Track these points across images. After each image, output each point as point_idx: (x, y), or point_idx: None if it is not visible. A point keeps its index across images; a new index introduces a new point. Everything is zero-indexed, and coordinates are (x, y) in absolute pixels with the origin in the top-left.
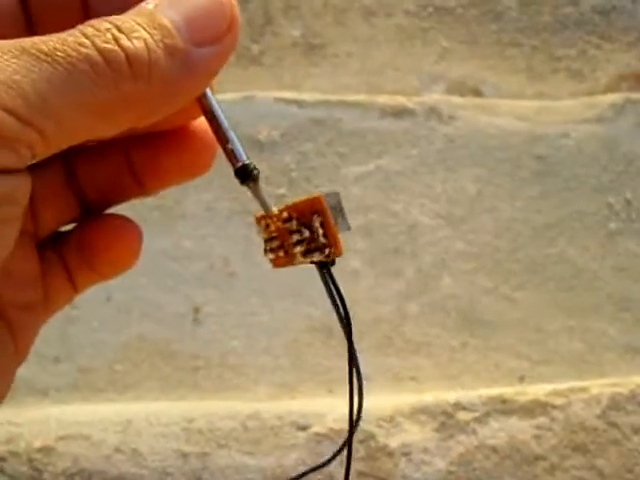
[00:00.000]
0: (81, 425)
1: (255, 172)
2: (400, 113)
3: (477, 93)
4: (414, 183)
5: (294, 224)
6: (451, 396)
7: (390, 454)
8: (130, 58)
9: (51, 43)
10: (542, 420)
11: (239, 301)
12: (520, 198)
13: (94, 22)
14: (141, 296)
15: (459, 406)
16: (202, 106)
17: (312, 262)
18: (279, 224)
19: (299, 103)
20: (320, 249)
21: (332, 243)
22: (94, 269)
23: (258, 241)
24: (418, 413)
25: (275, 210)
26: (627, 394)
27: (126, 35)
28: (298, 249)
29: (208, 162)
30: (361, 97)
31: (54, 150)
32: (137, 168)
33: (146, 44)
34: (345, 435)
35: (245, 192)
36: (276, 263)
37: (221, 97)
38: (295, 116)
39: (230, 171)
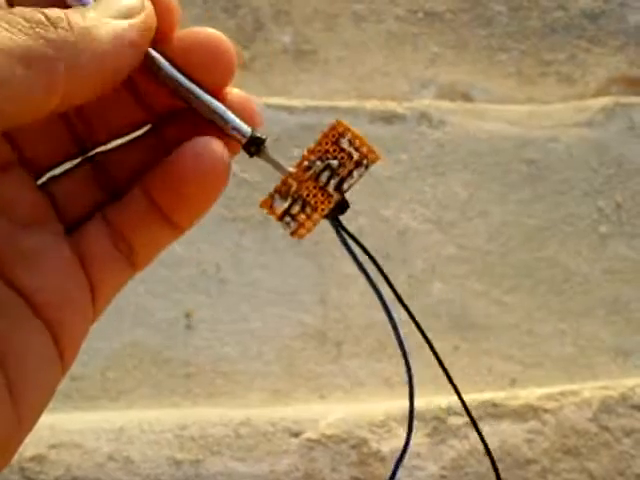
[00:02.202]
0: (73, 433)
1: (262, 139)
2: (390, 118)
3: (467, 98)
4: (404, 188)
5: (319, 165)
6: (443, 401)
7: (382, 459)
8: (46, 15)
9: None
10: (533, 424)
11: (231, 307)
12: (511, 202)
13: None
14: (133, 303)
15: (451, 411)
16: (185, 97)
17: (338, 208)
18: (302, 176)
19: (289, 109)
20: (359, 164)
21: (368, 150)
22: (171, 217)
23: (249, 246)
24: None
25: (291, 168)
26: (618, 397)
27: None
28: (332, 185)
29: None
30: (351, 102)
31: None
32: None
33: (62, 11)
34: (338, 441)
35: (234, 198)
36: (299, 232)
37: None
38: (285, 122)
39: None
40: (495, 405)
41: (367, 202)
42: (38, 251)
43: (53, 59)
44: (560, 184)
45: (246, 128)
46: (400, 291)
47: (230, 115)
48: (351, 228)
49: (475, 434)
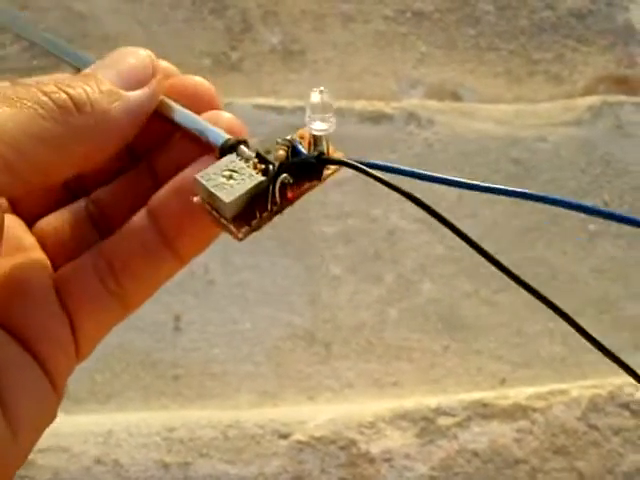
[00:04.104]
0: (61, 437)
1: (234, 143)
2: (379, 118)
3: (456, 97)
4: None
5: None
6: (432, 401)
7: (372, 460)
8: (72, 98)
9: (3, 88)
10: (523, 423)
11: (220, 309)
12: (499, 202)
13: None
14: None
15: (440, 411)
16: (165, 120)
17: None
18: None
19: (278, 109)
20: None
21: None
22: (176, 248)
23: (237, 247)
24: (399, 419)
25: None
26: (606, 396)
27: (67, 85)
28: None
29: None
30: (340, 103)
31: (19, 186)
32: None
33: (84, 90)
34: (327, 443)
35: None
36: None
37: None
38: (274, 122)
39: None
40: (485, 405)
41: (356, 202)
42: (24, 287)
43: (74, 143)
44: (548, 183)
45: (220, 135)
46: (389, 291)
47: (208, 130)
48: (340, 228)
49: (464, 434)
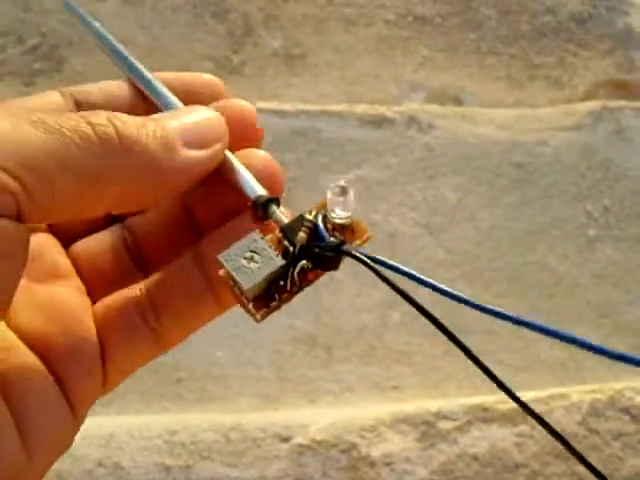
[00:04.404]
0: None
1: (264, 201)
2: (380, 122)
3: (457, 102)
4: (394, 192)
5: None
6: (432, 405)
7: (372, 464)
8: (120, 133)
9: (42, 114)
10: (523, 428)
11: None
12: (500, 206)
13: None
14: None
15: (440, 415)
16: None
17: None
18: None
19: (280, 113)
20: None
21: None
22: (219, 295)
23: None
24: (400, 423)
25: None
26: (606, 400)
27: (120, 120)
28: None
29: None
30: (341, 106)
31: (42, 214)
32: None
33: (137, 129)
34: (328, 446)
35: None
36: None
37: None
38: (276, 126)
39: None
40: (485, 409)
41: (357, 206)
42: (59, 315)
43: (109, 181)
44: (548, 188)
45: (255, 190)
46: (390, 295)
47: (244, 177)
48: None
49: (465, 438)
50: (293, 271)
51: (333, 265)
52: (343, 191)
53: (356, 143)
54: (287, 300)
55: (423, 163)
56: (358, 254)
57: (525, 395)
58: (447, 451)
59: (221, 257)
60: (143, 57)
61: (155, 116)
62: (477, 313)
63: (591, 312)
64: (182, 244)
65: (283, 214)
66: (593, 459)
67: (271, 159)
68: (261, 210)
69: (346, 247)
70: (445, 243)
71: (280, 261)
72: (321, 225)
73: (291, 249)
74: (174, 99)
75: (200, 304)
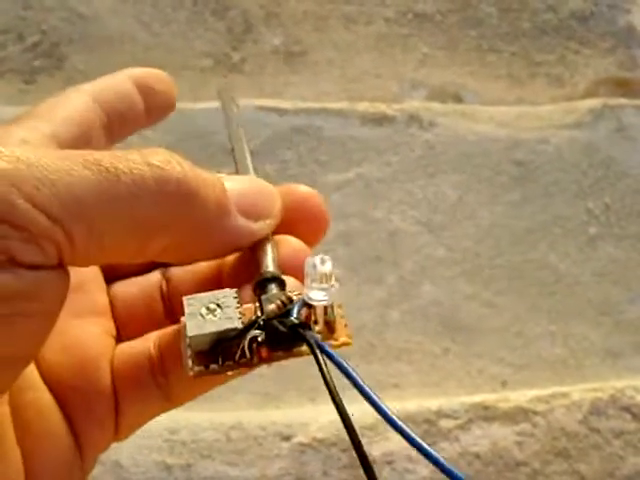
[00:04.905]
0: None
1: (261, 280)
2: (380, 120)
3: (457, 99)
4: (395, 190)
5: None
6: (433, 403)
7: (373, 462)
8: (180, 181)
9: (99, 154)
10: (524, 426)
11: None
12: (500, 204)
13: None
14: None
15: (441, 413)
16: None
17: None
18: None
19: (280, 111)
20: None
21: None
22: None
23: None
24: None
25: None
26: (607, 399)
27: (183, 163)
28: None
29: None
30: (342, 104)
31: (85, 260)
32: None
33: (199, 180)
34: (329, 445)
35: None
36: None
37: (201, 105)
38: (276, 124)
39: None
40: (486, 407)
41: (357, 204)
42: (84, 358)
43: (156, 232)
44: (549, 186)
45: (266, 265)
46: (390, 293)
47: (266, 253)
48: (341, 230)
49: (466, 437)
50: (243, 339)
51: (285, 347)
52: (321, 263)
53: (357, 141)
54: (230, 369)
55: (424, 161)
56: (311, 341)
57: (526, 394)
58: (448, 449)
59: (186, 299)
60: (142, 54)
61: (218, 175)
62: (477, 311)
63: (592, 310)
64: None
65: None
66: (594, 458)
67: (305, 249)
68: (258, 286)
69: (306, 332)
70: (446, 241)
71: (237, 323)
72: (297, 306)
73: (254, 317)
74: (248, 165)
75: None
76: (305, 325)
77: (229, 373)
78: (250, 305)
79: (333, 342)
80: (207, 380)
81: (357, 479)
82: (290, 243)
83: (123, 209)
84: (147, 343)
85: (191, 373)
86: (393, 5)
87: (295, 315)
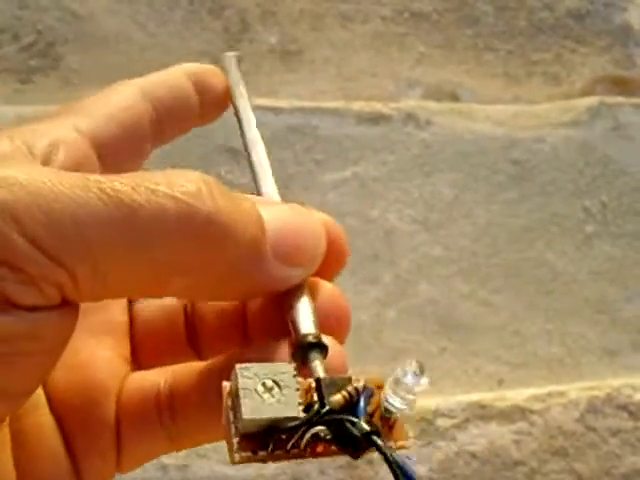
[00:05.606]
0: None
1: (305, 344)
2: (376, 119)
3: (454, 98)
4: (391, 189)
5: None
6: (430, 403)
7: (370, 462)
8: (210, 219)
9: (119, 181)
10: (521, 425)
11: None
12: (497, 203)
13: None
14: None
15: (438, 412)
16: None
17: None
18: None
19: (276, 110)
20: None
21: None
22: None
23: None
24: None
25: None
26: (604, 397)
27: (214, 192)
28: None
29: None
30: (338, 103)
31: (92, 298)
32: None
33: (233, 215)
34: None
35: None
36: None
37: None
38: (272, 123)
39: None
40: (483, 406)
41: (354, 203)
42: (92, 385)
43: (184, 277)
44: (546, 184)
45: (303, 326)
46: (387, 292)
47: (301, 306)
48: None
49: (463, 436)
50: (305, 432)
51: (353, 450)
52: (420, 370)
53: (353, 140)
54: (278, 459)
55: (420, 160)
56: (387, 453)
57: (523, 392)
58: (445, 449)
59: (239, 368)
60: (138, 54)
61: (255, 204)
62: (474, 310)
63: (588, 308)
64: (232, 337)
65: (323, 366)
66: (591, 456)
67: (340, 295)
68: (300, 353)
69: (379, 440)
70: (442, 240)
71: (298, 412)
72: (363, 400)
73: (316, 407)
74: (272, 187)
75: (214, 421)
76: (378, 432)
77: (278, 461)
78: (307, 381)
79: (392, 444)
80: (217, 433)
81: (353, 478)
82: (326, 290)
83: (136, 250)
84: (159, 378)
85: (237, 458)
86: (389, 4)
87: (363, 413)
